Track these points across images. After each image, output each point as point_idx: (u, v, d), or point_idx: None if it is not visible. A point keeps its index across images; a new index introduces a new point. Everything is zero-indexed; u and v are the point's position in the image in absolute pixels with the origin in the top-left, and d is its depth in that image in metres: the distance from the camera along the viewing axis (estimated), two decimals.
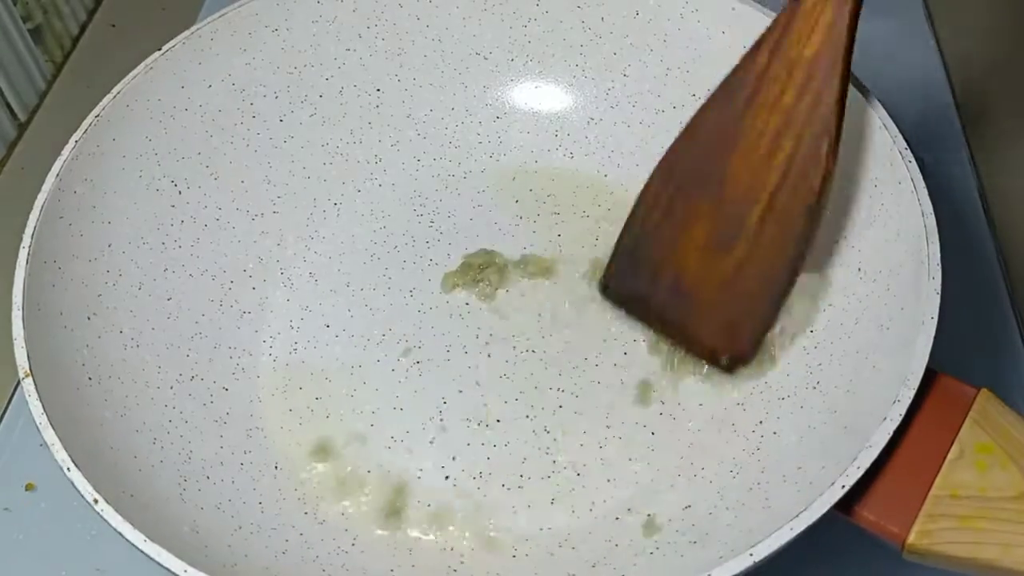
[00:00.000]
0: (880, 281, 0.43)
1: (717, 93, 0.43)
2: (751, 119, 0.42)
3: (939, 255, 0.39)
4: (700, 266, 0.45)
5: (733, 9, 0.48)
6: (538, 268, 0.51)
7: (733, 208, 0.43)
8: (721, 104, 0.43)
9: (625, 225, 0.46)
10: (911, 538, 0.36)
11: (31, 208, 0.43)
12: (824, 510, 0.35)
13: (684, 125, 0.44)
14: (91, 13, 0.71)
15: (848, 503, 0.36)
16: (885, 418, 0.36)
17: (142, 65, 0.48)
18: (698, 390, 0.46)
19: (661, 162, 0.45)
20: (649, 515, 0.43)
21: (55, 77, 0.67)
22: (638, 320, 0.48)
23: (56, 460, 0.36)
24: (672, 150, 0.44)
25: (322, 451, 0.45)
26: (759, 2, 0.48)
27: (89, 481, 0.36)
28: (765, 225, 0.43)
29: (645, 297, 0.47)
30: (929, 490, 0.36)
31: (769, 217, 0.42)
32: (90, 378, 0.42)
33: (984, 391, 0.38)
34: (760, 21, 0.47)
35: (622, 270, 0.47)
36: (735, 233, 0.43)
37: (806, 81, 0.40)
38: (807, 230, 0.42)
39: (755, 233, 0.43)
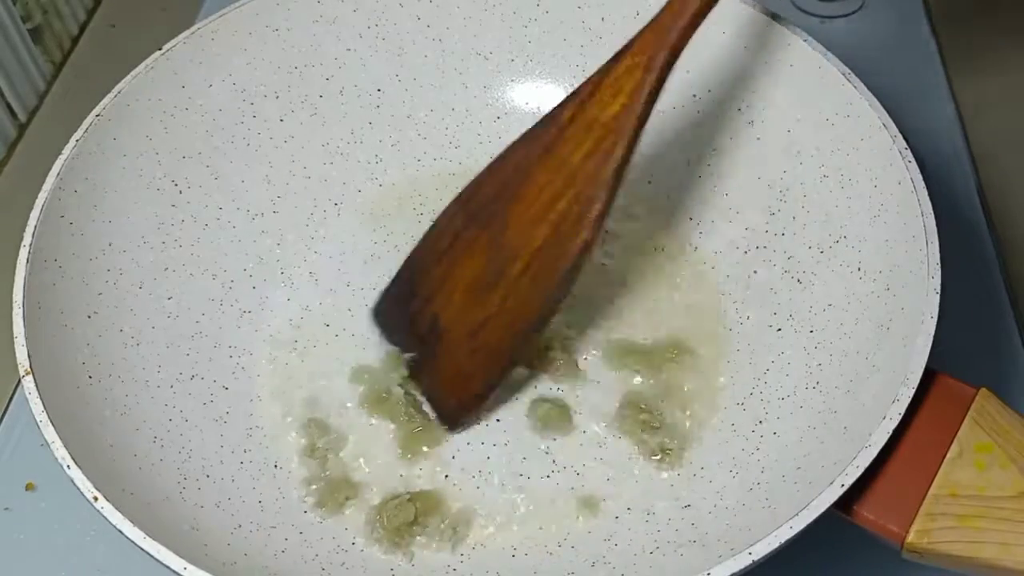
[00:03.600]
0: (880, 281, 0.43)
1: (523, 136, 0.43)
2: (540, 170, 0.42)
3: (939, 255, 0.39)
4: (460, 307, 0.44)
5: (733, 9, 0.48)
6: None
7: (503, 255, 0.43)
8: (523, 148, 0.43)
9: (415, 247, 0.47)
10: (910, 537, 0.36)
11: (32, 207, 0.43)
12: (823, 509, 0.35)
13: (491, 159, 0.44)
14: (91, 13, 0.71)
15: (847, 502, 0.36)
16: (885, 417, 0.36)
17: (143, 65, 0.48)
18: (697, 390, 0.46)
19: (463, 191, 0.45)
20: (649, 514, 0.43)
21: (55, 77, 0.67)
22: (395, 346, 0.47)
23: (56, 458, 0.36)
24: (474, 182, 0.45)
25: (322, 450, 0.45)
26: (759, 2, 0.48)
27: (89, 479, 0.36)
28: (521, 280, 0.42)
29: (409, 324, 0.46)
30: (928, 489, 0.36)
31: (527, 273, 0.42)
32: (90, 377, 0.42)
33: (983, 391, 0.38)
34: (760, 21, 0.47)
35: (398, 292, 0.47)
36: (496, 281, 0.43)
37: (597, 143, 0.41)
38: (553, 298, 0.42)
39: (512, 286, 0.43)
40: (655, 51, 0.40)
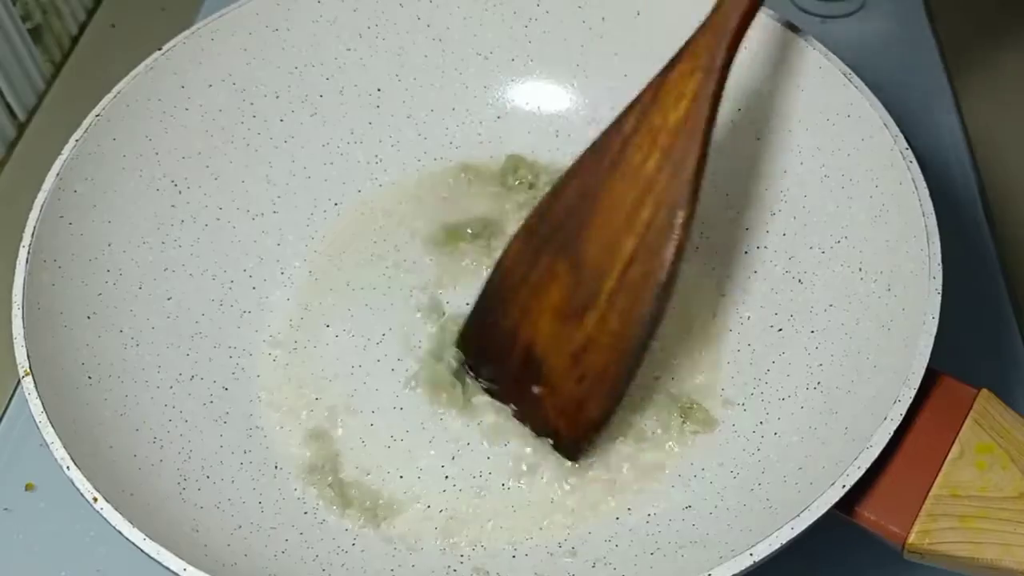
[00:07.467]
0: (881, 281, 0.43)
1: (586, 154, 0.43)
2: (613, 184, 0.41)
3: (940, 255, 0.39)
4: (553, 332, 0.43)
5: None
6: None
7: (589, 274, 0.42)
8: (588, 165, 0.42)
9: (487, 281, 0.45)
10: (911, 538, 0.36)
11: (31, 207, 0.43)
12: (824, 510, 0.35)
13: (553, 183, 0.43)
14: (91, 13, 0.71)
15: (849, 503, 0.36)
16: (886, 418, 0.36)
17: (142, 65, 0.48)
18: (698, 390, 0.46)
19: (528, 218, 0.44)
20: (650, 515, 0.43)
21: (55, 77, 0.67)
22: (487, 387, 0.46)
23: (56, 459, 0.36)
24: (539, 207, 0.44)
25: (322, 450, 0.45)
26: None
27: (88, 480, 0.36)
28: (617, 297, 0.41)
29: (500, 357, 0.45)
30: (929, 490, 0.36)
31: (621, 289, 0.41)
32: (90, 377, 0.42)
33: (984, 391, 0.38)
34: (760, 21, 0.47)
35: (479, 329, 0.46)
36: (588, 302, 0.42)
37: (668, 150, 0.40)
38: (655, 309, 0.40)
39: (606, 305, 0.41)
40: (713, 52, 0.40)
